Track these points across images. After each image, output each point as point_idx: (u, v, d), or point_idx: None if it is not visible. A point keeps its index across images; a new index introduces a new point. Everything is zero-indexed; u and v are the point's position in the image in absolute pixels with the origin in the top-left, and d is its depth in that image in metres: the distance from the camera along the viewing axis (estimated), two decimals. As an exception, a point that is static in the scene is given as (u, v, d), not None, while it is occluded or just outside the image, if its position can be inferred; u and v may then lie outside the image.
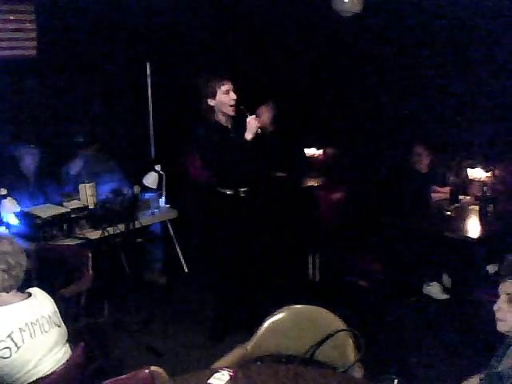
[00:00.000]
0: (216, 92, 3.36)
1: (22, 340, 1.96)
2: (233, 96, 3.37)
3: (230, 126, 3.47)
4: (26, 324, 2.00)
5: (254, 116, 3.36)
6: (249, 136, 3.33)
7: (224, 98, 3.37)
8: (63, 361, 2.10)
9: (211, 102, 3.39)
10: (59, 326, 2.14)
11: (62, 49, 4.74)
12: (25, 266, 2.12)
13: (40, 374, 2.00)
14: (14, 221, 3.75)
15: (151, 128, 5.34)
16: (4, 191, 3.85)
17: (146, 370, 1.98)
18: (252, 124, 3.33)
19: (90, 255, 3.09)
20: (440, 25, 4.84)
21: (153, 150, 5.42)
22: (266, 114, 3.43)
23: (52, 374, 2.02)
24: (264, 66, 5.57)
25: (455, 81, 4.85)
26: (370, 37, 5.25)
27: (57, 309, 2.17)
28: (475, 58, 4.69)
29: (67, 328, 2.22)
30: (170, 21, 5.25)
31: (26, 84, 4.73)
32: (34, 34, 4.49)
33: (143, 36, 5.12)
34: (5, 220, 3.78)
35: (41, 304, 2.11)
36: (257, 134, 3.33)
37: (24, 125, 4.74)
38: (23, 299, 2.08)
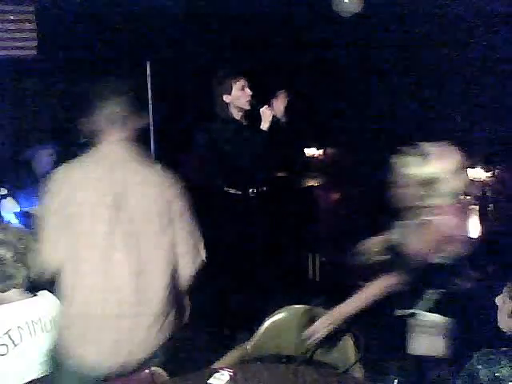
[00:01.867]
0: (231, 88, 3.39)
1: (20, 338, 1.96)
2: (248, 92, 3.41)
3: (244, 122, 3.50)
4: (27, 322, 1.99)
5: (267, 106, 3.39)
6: (265, 126, 3.35)
7: (240, 93, 3.40)
8: None
9: (226, 99, 3.41)
10: None
11: (62, 49, 4.74)
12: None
13: (41, 373, 2.00)
14: (13, 221, 3.75)
15: (151, 128, 5.34)
16: (4, 191, 3.84)
17: (146, 370, 1.99)
18: (266, 113, 3.36)
19: None
20: (440, 24, 4.84)
21: (153, 149, 5.41)
22: (279, 102, 3.44)
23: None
24: (262, 66, 5.57)
25: (455, 80, 4.85)
26: (370, 36, 5.25)
27: None
28: (475, 58, 4.68)
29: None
30: (170, 20, 5.26)
31: (26, 84, 4.73)
32: (34, 34, 4.49)
33: (143, 36, 5.12)
34: (5, 220, 3.78)
35: (45, 304, 2.11)
36: (272, 123, 3.36)
37: (24, 125, 4.74)
38: (25, 298, 2.07)
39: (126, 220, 1.90)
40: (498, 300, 1.76)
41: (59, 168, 1.97)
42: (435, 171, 2.14)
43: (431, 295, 2.17)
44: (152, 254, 1.95)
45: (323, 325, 2.00)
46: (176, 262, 2.03)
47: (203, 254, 2.15)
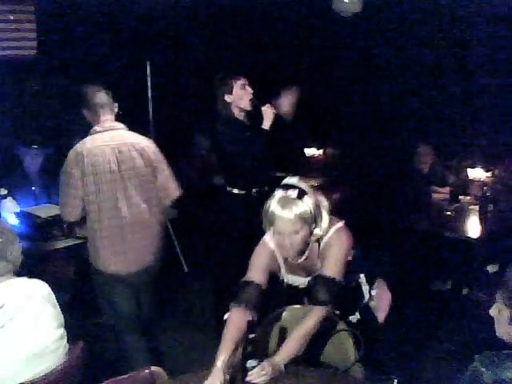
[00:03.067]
0: (233, 87, 3.40)
1: (2, 322, 1.95)
2: (250, 90, 3.41)
3: (247, 121, 3.50)
4: (10, 301, 1.99)
5: (268, 104, 3.38)
6: (267, 125, 3.35)
7: (241, 92, 3.40)
8: (58, 343, 2.10)
9: (228, 98, 3.41)
10: (54, 308, 2.14)
11: (62, 49, 4.74)
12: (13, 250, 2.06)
13: (31, 348, 2.00)
14: (13, 221, 3.75)
15: (151, 128, 5.34)
16: (4, 191, 3.84)
17: (146, 370, 1.99)
18: (268, 112, 3.36)
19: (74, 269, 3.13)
20: (440, 24, 4.84)
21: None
22: (287, 99, 3.43)
23: (52, 373, 2.03)
24: (262, 65, 5.58)
25: (455, 81, 4.85)
26: (370, 36, 5.25)
27: (53, 294, 2.16)
28: (475, 58, 4.69)
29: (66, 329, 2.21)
30: (170, 20, 5.26)
31: (26, 84, 4.73)
32: (34, 34, 4.48)
33: (143, 36, 5.12)
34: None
35: (31, 286, 2.10)
36: (275, 121, 3.35)
37: (24, 125, 4.74)
38: (10, 282, 2.06)
39: (125, 170, 2.79)
40: (492, 311, 1.72)
41: (75, 147, 2.76)
42: (314, 201, 2.10)
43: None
44: (147, 192, 2.86)
45: (262, 372, 1.89)
46: (161, 195, 2.95)
47: (177, 189, 3.02)
